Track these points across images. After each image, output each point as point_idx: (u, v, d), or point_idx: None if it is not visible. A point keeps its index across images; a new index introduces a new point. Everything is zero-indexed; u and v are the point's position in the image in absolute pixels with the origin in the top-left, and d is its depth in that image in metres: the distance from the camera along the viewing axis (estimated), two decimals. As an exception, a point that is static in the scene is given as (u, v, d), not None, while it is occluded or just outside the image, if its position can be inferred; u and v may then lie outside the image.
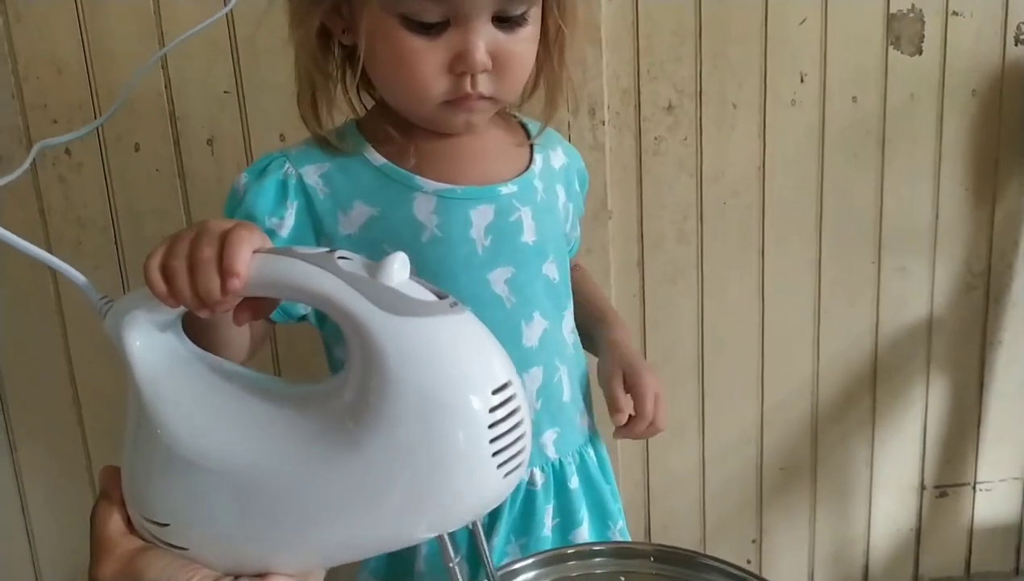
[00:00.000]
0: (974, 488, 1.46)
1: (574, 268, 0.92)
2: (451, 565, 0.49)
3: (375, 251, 0.73)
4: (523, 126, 0.87)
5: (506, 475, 0.46)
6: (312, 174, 0.75)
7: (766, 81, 1.26)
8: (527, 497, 0.81)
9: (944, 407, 1.42)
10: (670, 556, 0.62)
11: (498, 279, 0.78)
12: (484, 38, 0.69)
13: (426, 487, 0.45)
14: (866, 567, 1.47)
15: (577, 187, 0.92)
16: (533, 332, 0.80)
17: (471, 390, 0.45)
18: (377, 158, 0.77)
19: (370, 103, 0.82)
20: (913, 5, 1.26)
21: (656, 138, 1.26)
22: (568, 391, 0.84)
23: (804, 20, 1.24)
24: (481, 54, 0.69)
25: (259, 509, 0.47)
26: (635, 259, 1.30)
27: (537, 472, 0.81)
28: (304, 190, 0.75)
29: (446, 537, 0.48)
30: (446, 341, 0.46)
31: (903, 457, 1.43)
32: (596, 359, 0.90)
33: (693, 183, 1.28)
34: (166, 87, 1.13)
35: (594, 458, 0.87)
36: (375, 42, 0.71)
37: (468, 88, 0.71)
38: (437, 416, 0.45)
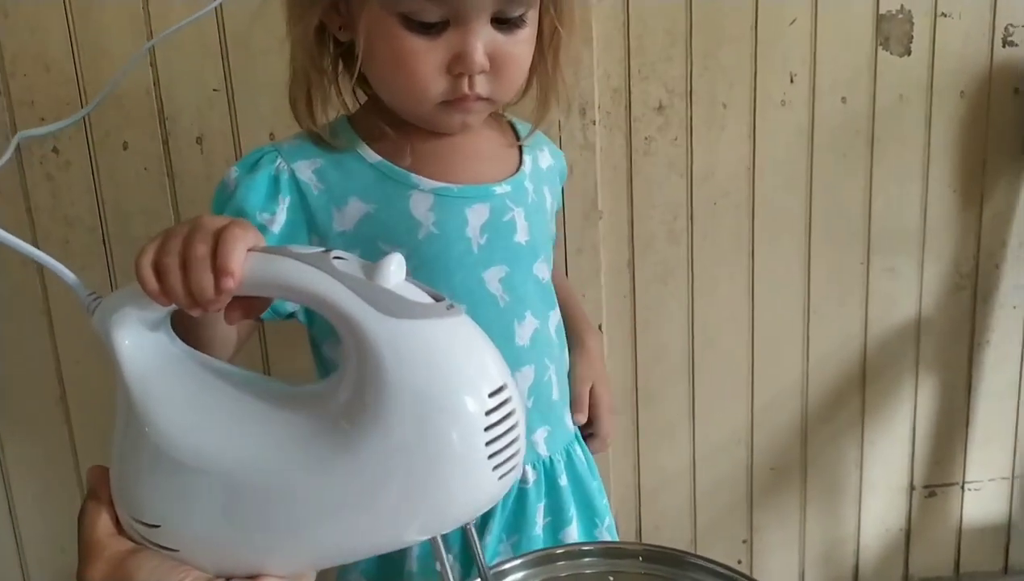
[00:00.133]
0: (963, 488, 1.47)
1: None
2: (443, 568, 0.49)
3: (370, 248, 0.74)
4: (512, 126, 0.87)
5: (501, 477, 0.46)
6: (305, 169, 0.75)
7: (756, 81, 1.26)
8: (519, 495, 0.81)
9: (933, 407, 1.43)
10: (659, 556, 0.62)
11: (492, 278, 0.78)
12: (483, 39, 0.69)
13: (421, 489, 0.45)
14: (856, 567, 1.48)
15: (559, 186, 0.93)
16: (525, 331, 0.80)
17: (468, 392, 0.45)
18: (371, 155, 0.77)
19: (362, 99, 0.82)
20: (902, 6, 1.26)
21: (646, 138, 1.26)
22: (557, 389, 0.84)
23: (794, 21, 1.25)
24: (480, 55, 0.69)
25: (252, 510, 0.46)
26: (625, 259, 1.30)
27: (529, 469, 0.81)
28: (297, 185, 0.74)
29: (439, 538, 0.48)
30: (443, 343, 0.46)
31: (892, 457, 1.44)
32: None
33: (683, 183, 1.28)
34: (155, 85, 1.13)
35: (581, 455, 0.88)
36: (374, 41, 0.70)
37: (466, 89, 0.71)
38: (433, 418, 0.44)
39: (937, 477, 1.46)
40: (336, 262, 0.46)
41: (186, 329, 0.54)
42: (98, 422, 1.19)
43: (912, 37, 1.28)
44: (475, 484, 0.46)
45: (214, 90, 1.14)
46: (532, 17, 0.73)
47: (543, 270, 0.83)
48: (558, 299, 0.88)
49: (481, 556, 0.54)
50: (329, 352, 0.80)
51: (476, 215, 0.77)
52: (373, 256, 0.47)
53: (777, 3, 1.23)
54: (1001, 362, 1.42)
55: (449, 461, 0.45)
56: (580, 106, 1.20)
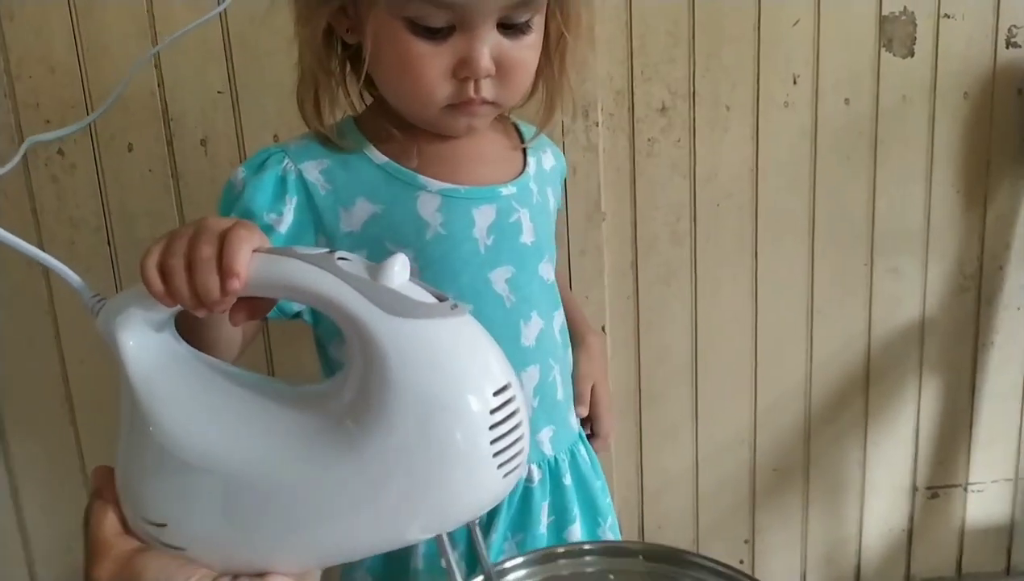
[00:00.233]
0: (966, 489, 1.47)
1: None
2: (449, 565, 0.49)
3: (377, 248, 0.74)
4: (516, 129, 0.88)
5: (506, 475, 0.46)
6: (312, 170, 0.75)
7: (759, 83, 1.26)
8: (524, 494, 0.81)
9: (936, 408, 1.43)
10: (659, 554, 0.62)
11: (499, 278, 0.78)
12: (488, 44, 0.70)
13: (426, 487, 0.45)
14: (858, 568, 1.48)
15: (560, 187, 0.94)
16: (531, 331, 0.80)
17: (472, 391, 0.45)
18: (378, 156, 0.77)
19: (369, 100, 0.82)
20: (905, 7, 1.26)
21: (649, 139, 1.26)
22: (561, 389, 0.85)
23: (797, 22, 1.25)
24: (485, 60, 0.69)
25: (258, 508, 0.46)
26: (629, 260, 1.30)
27: (534, 468, 0.82)
28: (304, 186, 0.75)
29: (444, 536, 0.48)
30: (447, 343, 0.46)
31: (895, 458, 1.44)
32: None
33: (686, 184, 1.28)
34: (159, 87, 1.13)
35: (585, 455, 0.88)
36: (380, 44, 0.71)
37: (471, 93, 0.71)
38: (438, 417, 0.45)
39: (940, 478, 1.46)
40: (341, 263, 0.46)
41: (190, 330, 0.54)
42: (103, 422, 1.19)
43: (915, 38, 1.28)
44: (480, 482, 0.46)
45: (218, 92, 1.14)
46: (538, 22, 0.74)
47: (548, 271, 0.84)
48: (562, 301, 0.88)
49: (485, 553, 0.54)
50: (335, 352, 0.81)
51: (483, 216, 0.77)
52: (380, 256, 0.47)
53: (780, 4, 1.24)
54: (1005, 363, 1.42)
55: (454, 459, 0.45)
56: (583, 108, 1.21)
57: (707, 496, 1.41)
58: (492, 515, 0.79)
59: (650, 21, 1.22)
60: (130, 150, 1.15)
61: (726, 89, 1.26)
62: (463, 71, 0.70)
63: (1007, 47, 1.29)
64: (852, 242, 1.34)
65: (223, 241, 0.47)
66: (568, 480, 0.84)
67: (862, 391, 1.40)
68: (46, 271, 0.50)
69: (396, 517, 0.46)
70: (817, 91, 1.28)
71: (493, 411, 0.46)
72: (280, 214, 0.74)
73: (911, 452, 1.44)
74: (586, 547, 0.64)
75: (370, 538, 0.47)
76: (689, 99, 1.26)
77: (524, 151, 0.85)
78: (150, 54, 1.00)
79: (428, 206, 0.76)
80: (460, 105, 0.73)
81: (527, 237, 0.80)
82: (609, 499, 0.90)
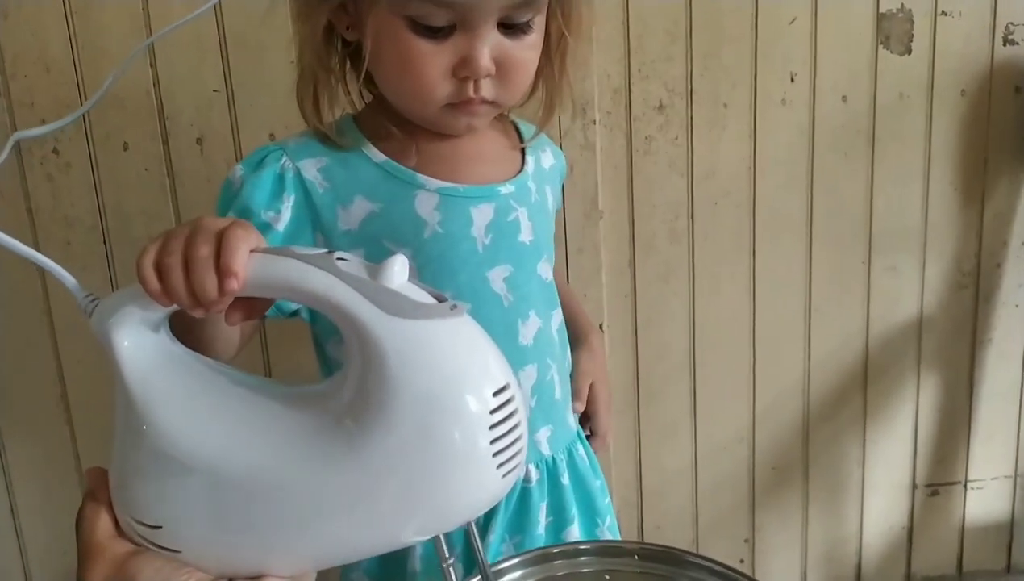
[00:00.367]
0: (965, 487, 1.47)
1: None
2: (446, 565, 0.49)
3: (375, 247, 0.74)
4: (516, 128, 0.87)
5: (504, 475, 0.46)
6: (311, 168, 0.75)
7: (756, 81, 1.26)
8: (523, 495, 0.81)
9: (935, 406, 1.43)
10: (655, 554, 0.63)
11: (497, 277, 0.78)
12: (489, 44, 0.69)
13: (426, 487, 0.45)
14: (858, 566, 1.48)
15: (559, 186, 0.94)
16: (528, 330, 0.80)
17: (472, 391, 0.45)
18: (377, 155, 0.77)
19: (368, 98, 0.82)
20: (902, 5, 1.26)
21: (647, 138, 1.26)
22: (559, 389, 0.85)
23: (794, 20, 1.25)
24: (486, 60, 0.69)
25: (256, 510, 0.46)
26: (627, 259, 1.30)
27: (532, 469, 0.81)
28: (302, 183, 0.74)
29: (441, 537, 0.48)
30: (446, 343, 0.46)
31: (894, 456, 1.44)
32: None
33: (684, 183, 1.28)
34: (155, 85, 1.13)
35: (583, 454, 0.88)
36: (381, 42, 0.71)
37: (471, 92, 0.71)
38: (438, 417, 0.45)
39: (939, 476, 1.46)
40: (340, 263, 0.46)
41: (186, 329, 0.54)
42: (99, 422, 1.19)
43: (912, 36, 1.28)
44: (479, 482, 0.46)
45: (214, 91, 1.14)
46: (539, 23, 0.73)
47: (546, 270, 0.84)
48: (559, 300, 0.88)
49: (482, 554, 0.54)
50: (333, 351, 0.81)
51: (481, 215, 0.77)
52: (378, 255, 0.47)
53: (777, 2, 1.23)
54: (1003, 361, 1.42)
55: (453, 459, 0.45)
56: (580, 106, 1.20)
57: (706, 495, 1.41)
58: (490, 516, 0.79)
59: (648, 19, 1.22)
60: (125, 149, 1.14)
61: (724, 87, 1.26)
62: (463, 70, 0.70)
63: (1004, 44, 1.29)
64: (850, 240, 1.34)
65: (220, 240, 0.46)
66: (566, 480, 0.84)
67: (861, 389, 1.40)
68: (42, 271, 0.49)
69: (394, 517, 0.46)
70: (815, 89, 1.28)
71: (492, 411, 0.46)
72: (278, 212, 0.73)
73: (910, 450, 1.44)
74: (582, 547, 0.65)
75: (367, 539, 0.47)
76: (687, 97, 1.25)
77: (523, 150, 0.85)
78: (145, 44, 1.00)
79: (426, 205, 0.76)
80: (460, 104, 0.72)
81: (525, 236, 0.80)
82: (608, 499, 0.90)
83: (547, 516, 0.83)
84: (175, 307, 0.48)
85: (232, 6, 1.10)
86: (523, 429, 0.47)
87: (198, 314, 0.48)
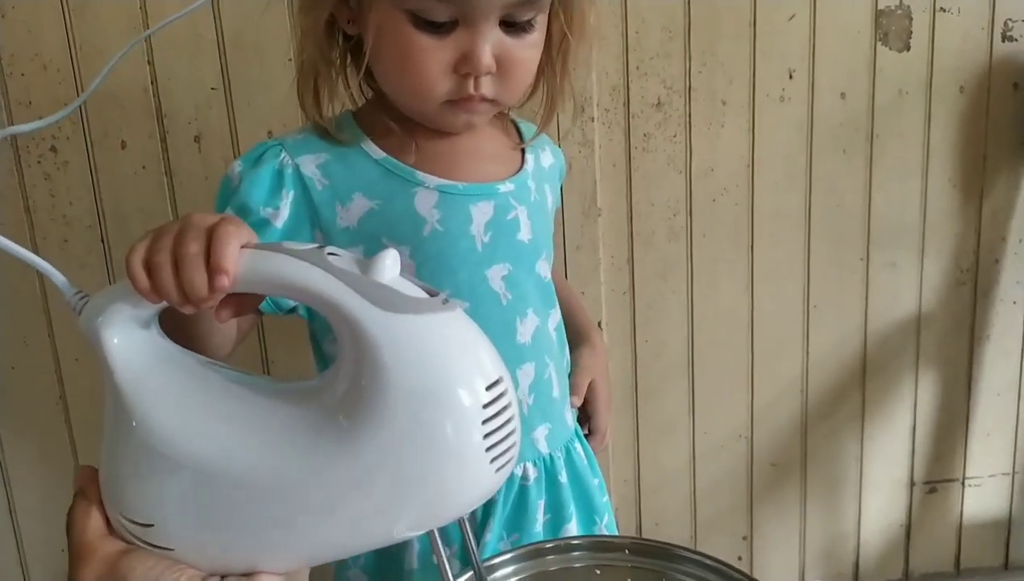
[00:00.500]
0: (963, 484, 1.47)
1: None
2: (440, 561, 0.49)
3: (374, 244, 0.74)
4: (515, 126, 0.87)
5: (498, 469, 0.46)
6: (309, 164, 0.75)
7: (755, 78, 1.26)
8: (520, 492, 0.81)
9: (933, 403, 1.43)
10: (646, 549, 0.63)
11: (495, 275, 0.78)
12: (491, 41, 0.69)
13: (419, 481, 0.45)
14: (856, 563, 1.48)
15: (559, 185, 0.93)
16: (527, 329, 0.80)
17: (465, 386, 0.45)
18: (376, 152, 0.77)
19: (368, 94, 0.82)
20: (901, 1, 1.26)
21: (645, 135, 1.26)
22: (557, 387, 0.84)
23: (793, 16, 1.25)
24: (487, 57, 0.69)
25: (248, 507, 0.46)
26: (625, 256, 1.30)
27: (530, 467, 0.81)
28: (301, 180, 0.74)
29: (436, 533, 0.48)
30: (439, 338, 0.46)
31: (892, 453, 1.44)
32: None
33: (682, 180, 1.28)
34: (152, 84, 1.13)
35: (581, 452, 0.88)
36: (382, 37, 0.70)
37: (471, 89, 0.71)
38: (431, 411, 0.44)
39: (937, 473, 1.46)
40: (331, 258, 0.46)
41: (178, 326, 0.54)
42: (98, 421, 1.17)
43: (911, 32, 1.27)
44: (472, 477, 0.46)
45: (212, 89, 1.14)
46: (541, 22, 0.73)
47: (545, 268, 0.84)
48: (560, 299, 0.88)
49: (474, 548, 0.54)
50: (329, 348, 0.80)
51: (480, 213, 0.77)
52: (377, 253, 0.47)
53: (776, -1, 1.24)
54: (1001, 357, 1.42)
55: (446, 454, 0.45)
56: (579, 103, 1.20)
57: (705, 492, 1.41)
58: (487, 515, 0.79)
59: (645, 16, 1.22)
60: (123, 147, 1.14)
61: (722, 84, 1.25)
62: (464, 67, 0.70)
63: (1003, 41, 1.29)
64: (849, 236, 1.34)
65: (210, 237, 0.46)
66: (564, 478, 0.84)
67: (859, 386, 1.40)
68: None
69: (388, 512, 0.46)
70: (813, 86, 1.27)
71: (486, 405, 0.45)
72: (277, 208, 0.73)
73: (908, 447, 1.44)
74: (574, 542, 0.65)
75: (361, 535, 0.47)
76: (685, 94, 1.25)
77: (522, 148, 0.85)
78: (141, 37, 1.00)
79: (425, 202, 0.76)
80: (459, 101, 0.72)
81: (524, 234, 0.80)
82: (606, 497, 0.90)
83: (545, 514, 0.83)
84: (165, 304, 0.48)
85: (230, 4, 1.10)
86: (516, 423, 0.47)
87: (188, 311, 0.48)
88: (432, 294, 0.47)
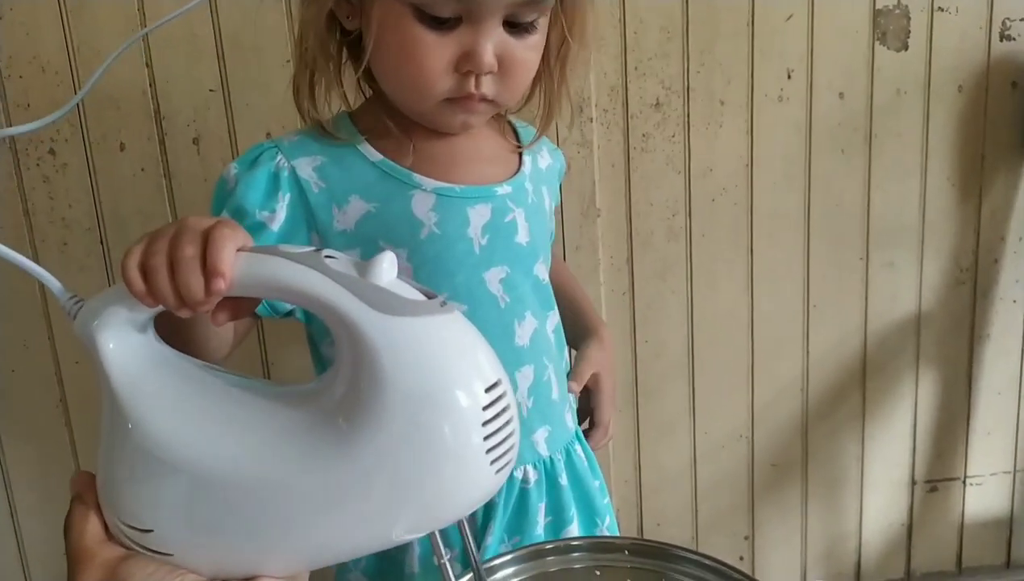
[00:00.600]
0: (964, 482, 1.47)
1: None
2: (442, 562, 0.49)
3: (371, 247, 0.74)
4: (513, 128, 0.87)
5: (498, 471, 0.46)
6: (306, 167, 0.74)
7: (753, 78, 1.26)
8: (521, 495, 0.81)
9: (933, 402, 1.43)
10: (645, 549, 0.63)
11: (493, 278, 0.78)
12: (493, 40, 0.69)
13: (418, 484, 0.45)
14: (858, 562, 1.48)
15: (557, 184, 0.93)
16: (525, 331, 0.80)
17: (464, 388, 0.45)
18: (373, 154, 0.76)
19: (367, 92, 0.81)
20: (899, 1, 1.26)
21: (644, 135, 1.26)
22: (556, 389, 0.84)
23: (791, 16, 1.25)
24: (489, 55, 0.69)
25: (247, 510, 0.46)
26: (624, 256, 1.30)
27: (530, 469, 0.81)
28: (297, 182, 0.74)
29: (437, 535, 0.48)
30: (437, 340, 0.46)
31: (893, 452, 1.44)
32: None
33: (681, 180, 1.28)
34: (151, 86, 1.12)
35: (582, 454, 0.88)
36: (384, 31, 0.70)
37: (471, 88, 0.71)
38: (430, 413, 0.44)
39: (938, 472, 1.46)
40: (328, 261, 0.45)
41: (175, 330, 0.54)
42: (98, 424, 1.19)
43: (909, 32, 1.27)
44: (471, 478, 0.46)
45: (210, 91, 1.14)
46: (543, 24, 0.73)
47: (542, 271, 0.83)
48: (567, 294, 0.88)
49: (473, 550, 0.54)
50: (328, 351, 0.80)
51: (478, 215, 0.77)
52: (374, 255, 0.47)
53: (773, -1, 1.24)
54: (1001, 356, 1.42)
55: (445, 456, 0.45)
56: (577, 104, 1.20)
57: (706, 492, 1.41)
58: (488, 518, 0.79)
59: (644, 16, 1.22)
60: (122, 149, 1.14)
61: (720, 84, 1.25)
62: (465, 64, 0.69)
63: (1001, 40, 1.29)
64: (847, 236, 1.34)
65: (206, 240, 0.46)
66: (564, 480, 0.84)
67: (859, 385, 1.40)
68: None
69: (387, 515, 0.45)
70: (811, 86, 1.27)
71: (485, 407, 0.45)
72: (273, 211, 0.73)
73: (909, 446, 1.44)
74: (574, 543, 0.65)
75: (360, 537, 0.47)
76: (683, 94, 1.25)
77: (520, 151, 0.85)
78: (139, 35, 1.00)
79: (422, 205, 0.75)
80: (459, 100, 0.72)
81: (522, 237, 0.80)
82: (607, 499, 0.90)
83: (546, 517, 0.83)
84: (161, 308, 0.48)
85: (228, 6, 1.10)
86: (515, 425, 0.47)
87: (184, 315, 0.47)
88: (430, 297, 0.47)
